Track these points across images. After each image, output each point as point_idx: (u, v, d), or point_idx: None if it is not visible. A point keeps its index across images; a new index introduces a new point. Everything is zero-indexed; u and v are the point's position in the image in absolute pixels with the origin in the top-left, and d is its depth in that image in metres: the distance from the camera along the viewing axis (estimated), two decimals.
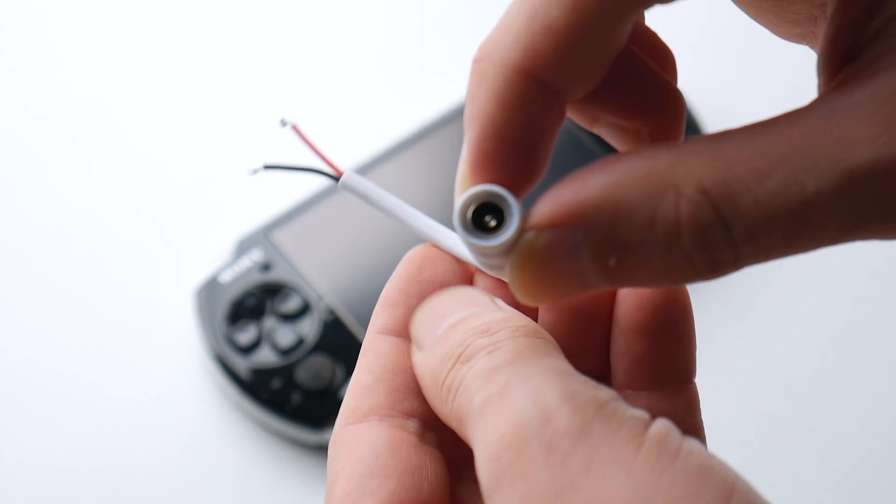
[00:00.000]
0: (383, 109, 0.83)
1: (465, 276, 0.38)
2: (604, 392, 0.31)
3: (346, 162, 0.78)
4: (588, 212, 0.31)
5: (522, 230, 0.32)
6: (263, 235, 0.75)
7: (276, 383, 0.70)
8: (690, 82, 0.79)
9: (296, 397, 0.70)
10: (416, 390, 0.36)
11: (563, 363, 0.32)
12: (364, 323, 0.72)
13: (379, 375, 0.36)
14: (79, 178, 0.81)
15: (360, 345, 0.70)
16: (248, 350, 0.71)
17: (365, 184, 0.38)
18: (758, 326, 0.76)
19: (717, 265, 0.31)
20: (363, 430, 0.35)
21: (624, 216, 0.30)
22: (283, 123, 0.37)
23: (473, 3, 0.88)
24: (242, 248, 0.74)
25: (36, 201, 0.80)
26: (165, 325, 0.74)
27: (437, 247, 0.38)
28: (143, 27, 0.88)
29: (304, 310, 0.72)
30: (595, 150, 0.77)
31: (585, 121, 0.37)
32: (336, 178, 0.38)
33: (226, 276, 0.73)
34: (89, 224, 0.79)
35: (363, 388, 0.35)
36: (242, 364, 0.71)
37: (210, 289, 0.73)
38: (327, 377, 0.70)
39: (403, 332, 0.36)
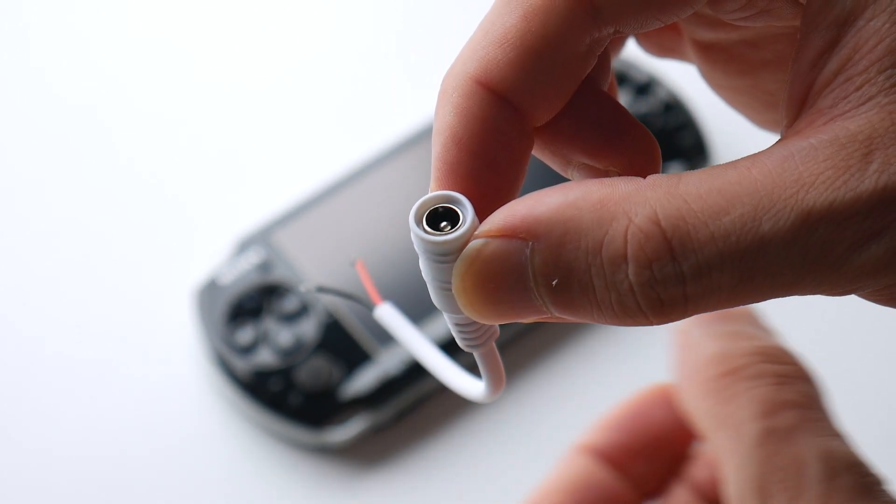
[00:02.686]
0: (383, 109, 0.83)
1: (685, 430, 0.41)
2: None
3: (346, 162, 0.78)
4: (538, 227, 0.31)
5: (471, 237, 0.32)
6: (263, 236, 0.75)
7: (275, 384, 0.70)
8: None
9: (295, 398, 0.69)
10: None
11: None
12: (364, 323, 0.72)
13: (564, 487, 0.39)
14: (78, 177, 0.80)
15: (360, 345, 0.71)
16: (247, 351, 0.71)
17: (397, 319, 0.40)
18: None
19: (663, 304, 0.30)
20: None
21: (572, 237, 0.30)
22: (352, 264, 0.40)
23: (474, 3, 0.88)
24: (242, 248, 0.74)
25: (35, 201, 0.80)
26: (164, 326, 0.74)
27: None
28: (142, 27, 0.88)
29: (304, 310, 0.72)
30: None
31: (558, 164, 0.36)
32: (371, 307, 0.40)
33: (225, 277, 0.73)
34: (88, 224, 0.79)
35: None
36: (241, 365, 0.70)
37: (209, 289, 0.73)
38: (326, 378, 0.70)
39: (607, 456, 0.39)
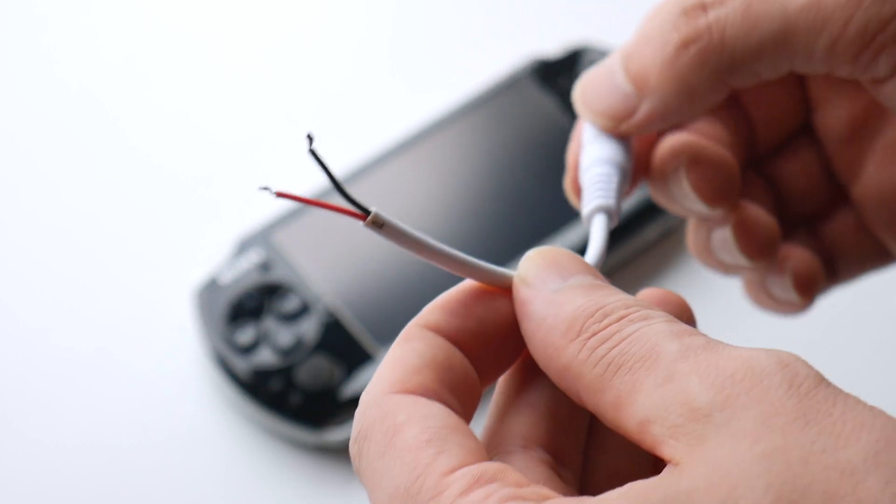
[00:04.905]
0: (384, 110, 0.83)
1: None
2: None
3: (345, 161, 0.78)
4: None
5: None
6: (263, 236, 0.75)
7: (275, 384, 0.70)
8: None
9: (295, 398, 0.70)
10: (463, 389, 0.36)
11: None
12: (364, 323, 0.72)
13: (429, 363, 0.36)
14: (78, 176, 0.80)
15: (360, 345, 0.71)
16: (247, 350, 0.71)
17: (394, 221, 0.37)
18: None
19: None
20: (421, 399, 0.35)
21: None
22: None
23: (475, 3, 0.88)
24: (242, 248, 0.74)
25: (34, 199, 0.80)
26: (164, 325, 0.74)
27: (487, 284, 0.38)
28: (142, 26, 0.88)
29: (304, 310, 0.72)
30: None
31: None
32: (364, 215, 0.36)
33: (225, 277, 0.73)
34: (87, 224, 0.79)
35: (411, 366, 0.35)
36: (242, 364, 0.70)
37: (209, 289, 0.73)
38: (327, 378, 0.70)
39: (454, 340, 0.37)
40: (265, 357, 0.71)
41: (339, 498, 0.70)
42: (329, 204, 0.36)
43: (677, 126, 0.48)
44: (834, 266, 0.52)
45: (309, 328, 0.72)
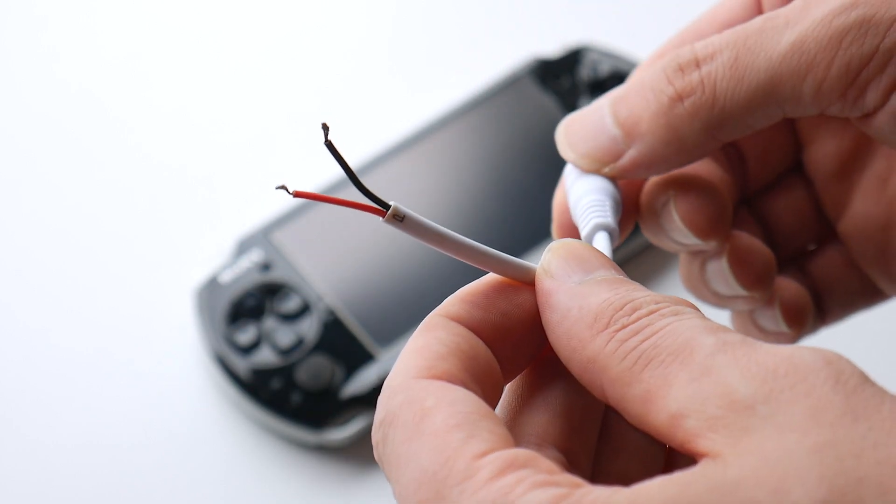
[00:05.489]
0: (384, 110, 0.83)
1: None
2: None
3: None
4: None
5: None
6: (263, 235, 0.75)
7: (275, 383, 0.70)
8: None
9: (295, 397, 0.70)
10: (487, 380, 0.36)
11: None
12: (364, 323, 0.72)
13: (454, 351, 0.35)
14: (78, 176, 0.81)
15: (361, 345, 0.71)
16: (247, 350, 0.71)
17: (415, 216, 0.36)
18: None
19: None
20: (449, 384, 0.34)
21: None
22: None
23: (475, 4, 0.88)
24: (242, 248, 0.74)
25: (34, 199, 0.80)
26: (165, 325, 0.74)
27: (509, 278, 0.38)
28: (142, 27, 0.88)
29: (304, 310, 0.72)
30: None
31: None
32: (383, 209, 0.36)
33: (226, 276, 0.73)
34: (88, 224, 0.79)
35: (436, 353, 0.35)
36: (242, 364, 0.71)
37: (210, 289, 0.73)
38: (327, 377, 0.70)
39: (476, 332, 0.36)
40: (265, 357, 0.71)
41: (339, 498, 0.70)
42: (347, 201, 0.36)
43: (659, 174, 0.48)
44: (823, 304, 0.52)
45: (309, 328, 0.72)
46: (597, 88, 0.79)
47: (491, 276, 0.38)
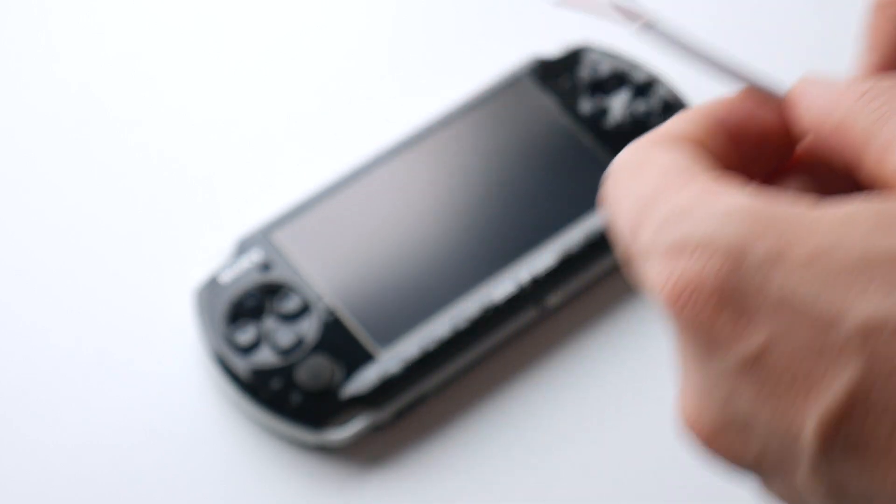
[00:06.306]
0: (384, 109, 0.83)
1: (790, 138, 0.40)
2: None
3: (347, 161, 0.78)
4: None
5: None
6: (263, 235, 0.75)
7: (275, 384, 0.70)
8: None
9: (296, 398, 0.70)
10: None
11: None
12: (364, 323, 0.72)
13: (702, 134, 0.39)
14: (78, 176, 0.80)
15: (361, 345, 0.71)
16: (247, 350, 0.71)
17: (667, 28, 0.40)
18: None
19: None
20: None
21: None
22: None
23: (474, 4, 0.88)
24: (242, 248, 0.74)
25: (34, 199, 0.80)
26: (164, 325, 0.74)
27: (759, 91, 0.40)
28: (142, 27, 0.88)
29: (304, 310, 0.72)
30: (597, 155, 0.77)
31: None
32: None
33: (225, 276, 0.73)
34: (87, 223, 0.79)
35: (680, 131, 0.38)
36: (242, 364, 0.70)
37: (209, 289, 0.73)
38: (327, 377, 0.70)
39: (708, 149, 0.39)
40: (265, 357, 0.71)
41: (339, 498, 0.70)
42: (602, 8, 0.41)
43: None
44: None
45: (309, 328, 0.72)
46: (597, 88, 0.79)
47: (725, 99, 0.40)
